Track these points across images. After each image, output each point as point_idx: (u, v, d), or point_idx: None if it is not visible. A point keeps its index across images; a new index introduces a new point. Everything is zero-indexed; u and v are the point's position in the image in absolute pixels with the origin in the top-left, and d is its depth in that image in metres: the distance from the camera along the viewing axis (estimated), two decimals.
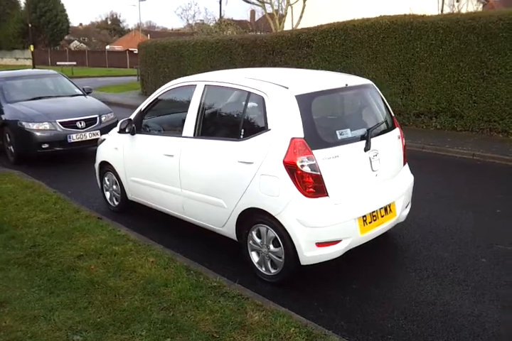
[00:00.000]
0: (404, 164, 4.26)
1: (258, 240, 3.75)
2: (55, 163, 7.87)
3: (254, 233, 3.77)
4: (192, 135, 4.16)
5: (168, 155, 4.35)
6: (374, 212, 3.76)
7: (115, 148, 5.14)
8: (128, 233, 4.55)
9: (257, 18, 47.36)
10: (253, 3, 16.04)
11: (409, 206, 4.38)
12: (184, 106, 4.29)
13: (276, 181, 3.46)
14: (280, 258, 3.61)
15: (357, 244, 3.69)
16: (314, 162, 3.36)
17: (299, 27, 14.74)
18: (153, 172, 4.64)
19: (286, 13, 15.92)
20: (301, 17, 15.85)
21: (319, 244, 3.46)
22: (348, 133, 3.62)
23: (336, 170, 3.48)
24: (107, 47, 50.21)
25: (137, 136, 4.80)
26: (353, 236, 3.59)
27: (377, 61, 10.72)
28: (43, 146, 7.54)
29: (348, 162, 3.56)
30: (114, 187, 5.38)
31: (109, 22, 79.37)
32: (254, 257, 3.84)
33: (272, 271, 3.72)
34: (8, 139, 7.84)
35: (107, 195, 5.58)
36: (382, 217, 3.85)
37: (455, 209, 5.41)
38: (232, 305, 3.21)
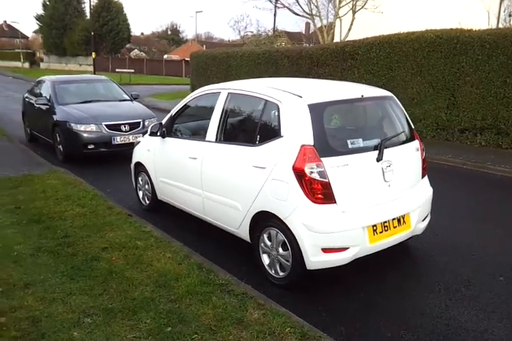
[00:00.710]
0: (423, 177, 4.25)
1: (269, 243, 3.88)
2: (100, 163, 8.34)
3: (265, 236, 3.90)
4: (214, 140, 4.37)
5: (192, 158, 4.59)
6: (386, 222, 3.79)
7: (148, 150, 5.46)
8: (153, 230, 4.80)
9: (312, 30, 47.63)
10: (302, 16, 16.28)
11: (428, 219, 4.35)
12: (209, 112, 4.51)
13: (286, 186, 3.58)
14: (288, 261, 3.71)
15: (366, 253, 3.73)
16: (323, 169, 3.46)
17: (348, 40, 14.78)
18: (179, 174, 4.89)
19: (334, 26, 16.01)
20: (349, 29, 15.89)
21: (325, 250, 3.53)
22: (360, 142, 3.69)
23: (345, 178, 3.56)
24: (165, 56, 52.14)
25: (167, 139, 5.08)
26: (362, 244, 3.64)
27: (421, 74, 10.58)
28: (89, 147, 8.04)
29: (359, 171, 3.63)
30: (146, 186, 5.68)
31: (169, 32, 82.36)
32: (265, 259, 3.96)
33: (281, 273, 3.82)
34: (58, 139, 8.41)
35: (140, 194, 5.90)
36: (394, 227, 3.87)
37: (483, 226, 5.29)
38: (235, 302, 3.34)
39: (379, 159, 3.69)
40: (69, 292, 3.46)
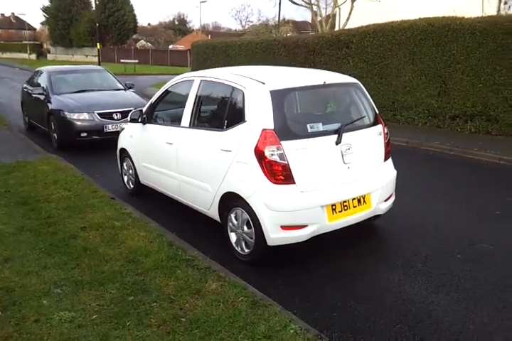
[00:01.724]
0: (386, 159, 4.41)
1: (235, 222, 4.09)
2: (92, 150, 8.59)
3: (232, 215, 4.11)
4: (188, 125, 4.58)
5: (169, 143, 4.80)
6: (345, 202, 3.98)
7: (130, 136, 5.68)
8: (132, 212, 5.03)
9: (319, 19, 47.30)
10: (301, 5, 16.29)
11: (392, 199, 4.53)
12: (185, 99, 4.70)
13: (248, 168, 3.78)
14: (251, 238, 3.92)
15: (325, 230, 3.93)
16: (282, 152, 3.65)
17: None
18: (158, 159, 5.11)
19: (332, 15, 16.02)
20: (348, 19, 15.89)
21: (284, 227, 3.74)
22: (320, 127, 3.87)
23: (304, 160, 3.74)
24: (170, 46, 52.23)
25: (147, 125, 5.29)
26: (320, 222, 3.83)
27: (414, 63, 10.65)
28: (82, 135, 8.28)
29: (317, 153, 3.81)
30: (130, 171, 5.92)
31: (176, 22, 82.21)
32: (233, 237, 4.18)
33: (246, 250, 4.04)
34: (53, 127, 8.67)
35: (125, 178, 6.14)
36: (354, 207, 4.05)
37: (456, 208, 5.45)
38: (197, 275, 3.57)
39: (338, 142, 3.86)
40: (44, 266, 3.71)
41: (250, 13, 46.83)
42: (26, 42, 55.10)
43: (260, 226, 3.77)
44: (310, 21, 50.16)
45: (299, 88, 3.99)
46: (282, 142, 3.67)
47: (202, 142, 4.37)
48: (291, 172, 3.69)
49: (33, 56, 54.02)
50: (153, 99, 5.30)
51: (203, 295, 3.27)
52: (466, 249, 4.32)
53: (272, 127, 3.68)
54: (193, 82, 4.63)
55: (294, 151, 3.70)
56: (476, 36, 9.36)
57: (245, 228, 3.98)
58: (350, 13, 15.66)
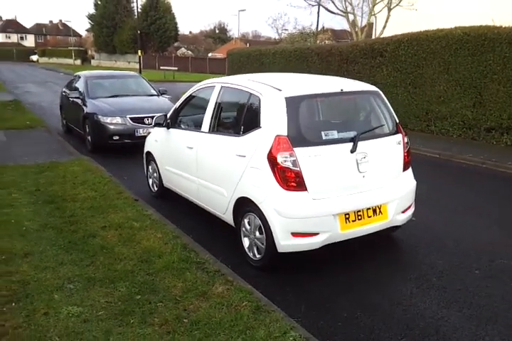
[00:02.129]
0: (405, 169, 4.34)
1: (248, 227, 4.12)
2: (124, 153, 8.83)
3: (246, 220, 4.14)
4: (207, 130, 4.66)
5: (189, 148, 4.89)
6: (359, 211, 3.94)
7: (155, 140, 5.83)
8: (153, 213, 5.15)
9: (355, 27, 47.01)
10: (337, 14, 16.26)
11: (411, 211, 4.43)
12: (206, 104, 4.79)
13: (261, 173, 3.81)
14: (263, 244, 3.94)
15: (338, 239, 3.90)
16: (295, 158, 3.66)
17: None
18: (179, 162, 5.22)
19: (369, 24, 15.91)
20: (384, 27, 15.75)
21: (295, 234, 3.74)
22: (335, 134, 3.85)
23: (316, 167, 3.74)
24: (209, 54, 53.13)
25: (171, 130, 5.42)
26: (332, 231, 3.81)
27: (448, 72, 10.42)
28: (114, 138, 8.54)
29: (331, 161, 3.79)
30: (155, 174, 6.06)
31: (217, 31, 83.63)
32: (245, 242, 4.21)
33: (257, 255, 4.06)
34: (87, 130, 8.99)
35: (150, 181, 6.29)
36: (369, 217, 4.00)
37: (482, 223, 5.27)
38: (206, 277, 3.62)
39: (353, 150, 3.84)
40: (60, 262, 3.85)
41: (287, 22, 47.24)
42: (72, 48, 57.33)
43: (271, 232, 3.78)
44: (350, 30, 50.05)
45: (315, 95, 4.00)
46: (295, 149, 3.68)
47: (219, 147, 4.44)
48: (303, 179, 3.69)
49: (78, 62, 56.18)
50: (177, 104, 5.43)
51: (208, 298, 3.31)
52: (486, 265, 4.17)
53: (286, 133, 3.70)
54: (213, 88, 4.73)
55: (307, 158, 3.70)
56: None
57: (257, 233, 4.00)
58: (386, 22, 15.52)
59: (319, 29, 31.52)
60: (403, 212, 4.30)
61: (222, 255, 4.28)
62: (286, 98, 3.80)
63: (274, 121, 3.79)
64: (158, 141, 5.75)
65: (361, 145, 3.90)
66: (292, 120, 3.74)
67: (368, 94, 4.32)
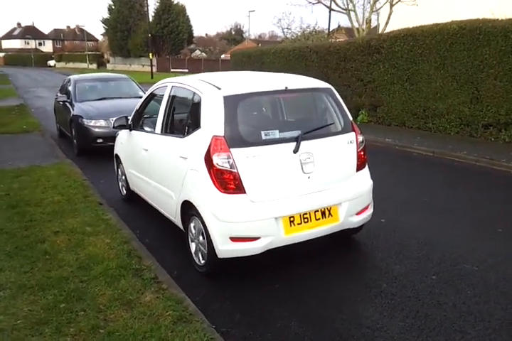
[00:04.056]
0: (360, 169, 4.13)
1: (194, 231, 3.98)
2: (110, 156, 8.77)
3: (192, 225, 4.00)
4: (160, 132, 4.54)
5: (145, 150, 4.79)
6: (306, 213, 3.75)
7: (121, 143, 5.75)
8: (112, 218, 5.05)
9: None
10: (338, 11, 15.98)
11: (367, 213, 4.22)
12: (160, 105, 4.67)
13: (199, 176, 3.66)
14: (206, 249, 3.79)
15: (282, 243, 3.72)
16: (230, 159, 3.50)
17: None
18: (139, 165, 5.12)
19: (369, 20, 15.58)
20: (386, 23, 15.40)
21: (234, 239, 3.57)
22: (276, 134, 3.68)
23: (256, 168, 3.56)
24: (222, 56, 53.17)
25: (133, 132, 5.32)
26: (275, 235, 3.63)
27: (444, 68, 10.09)
28: (98, 141, 8.50)
29: (272, 162, 3.61)
30: (123, 177, 5.97)
31: (233, 32, 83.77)
32: (192, 247, 4.06)
33: (202, 261, 3.91)
34: (73, 133, 8.99)
35: (120, 184, 6.21)
36: (317, 220, 3.81)
37: (456, 225, 5.01)
38: (139, 285, 3.48)
39: (295, 151, 3.65)
40: (0, 268, 3.78)
41: (292, 21, 46.64)
42: (87, 52, 58.18)
43: (210, 237, 3.63)
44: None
45: (257, 93, 3.82)
46: (232, 149, 3.52)
47: (167, 148, 4.32)
48: (241, 181, 3.53)
49: (94, 66, 56.97)
50: (137, 106, 5.33)
51: (132, 307, 3.18)
52: (446, 270, 3.93)
53: (223, 134, 3.54)
54: (165, 88, 4.60)
55: (245, 159, 3.53)
56: (510, 39, 8.71)
57: (201, 238, 3.85)
58: (388, 18, 15.19)
59: (335, 28, 31.10)
60: (358, 213, 4.08)
61: (173, 261, 4.17)
62: (224, 97, 3.64)
63: (212, 120, 3.64)
64: (123, 143, 5.66)
65: (306, 144, 3.71)
66: (230, 120, 3.58)
67: (317, 91, 4.13)
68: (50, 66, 66.92)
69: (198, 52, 65.30)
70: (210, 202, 3.59)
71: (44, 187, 6.19)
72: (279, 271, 4.00)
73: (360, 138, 4.14)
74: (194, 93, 4.01)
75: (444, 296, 3.51)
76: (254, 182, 3.58)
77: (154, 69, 43.02)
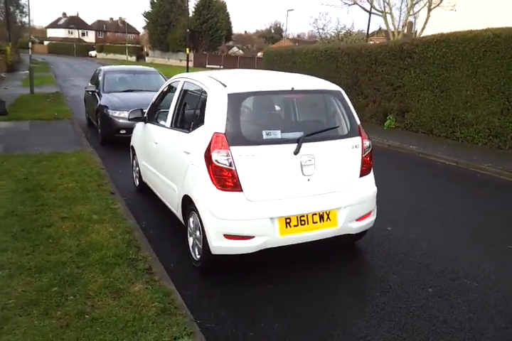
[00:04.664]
0: (363, 175, 4.07)
1: (192, 226, 4.02)
2: None
3: (191, 219, 4.04)
4: (169, 126, 4.60)
5: (155, 143, 4.86)
6: (303, 216, 3.73)
7: (136, 135, 5.84)
8: (120, 207, 5.15)
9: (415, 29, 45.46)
10: (374, 14, 15.72)
11: (369, 220, 4.16)
12: (172, 99, 4.73)
13: (199, 171, 3.70)
14: (201, 244, 3.82)
15: (276, 244, 3.70)
16: (229, 157, 3.51)
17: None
18: (150, 157, 5.20)
19: (405, 24, 15.27)
20: (423, 28, 15.08)
21: (228, 236, 3.59)
22: (277, 134, 3.66)
23: (254, 168, 3.56)
24: (258, 54, 53.23)
25: (147, 124, 5.41)
26: (269, 235, 3.62)
27: (476, 76, 9.80)
28: (121, 132, 8.67)
29: (271, 162, 3.60)
30: (137, 168, 6.08)
31: (273, 31, 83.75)
32: (190, 242, 4.10)
33: (198, 256, 3.95)
34: (99, 123, 9.20)
35: (134, 175, 6.32)
36: (314, 223, 3.78)
37: (465, 239, 4.87)
38: (132, 275, 3.55)
39: (296, 152, 3.63)
40: (4, 249, 3.92)
41: (328, 22, 46.07)
42: (128, 45, 59.32)
43: (205, 232, 3.66)
44: (406, 31, 48.29)
45: (262, 92, 3.81)
46: (232, 147, 3.53)
47: (174, 143, 4.38)
48: (238, 179, 3.54)
49: (133, 58, 58.07)
50: (153, 99, 5.41)
51: (120, 296, 3.24)
52: (444, 284, 3.83)
53: (223, 131, 3.56)
54: (178, 83, 4.66)
55: (244, 158, 3.54)
56: None
57: (197, 233, 3.89)
58: (425, 23, 14.87)
59: (375, 30, 30.68)
60: (358, 220, 4.03)
61: (172, 254, 4.24)
62: (229, 94, 3.66)
63: (215, 117, 3.66)
64: (138, 135, 5.77)
65: (308, 147, 3.68)
66: (233, 117, 3.60)
67: (325, 93, 4.08)
68: (91, 56, 68.66)
69: (235, 49, 65.61)
70: (207, 198, 3.61)
71: (61, 174, 6.37)
72: (274, 271, 3.99)
73: (367, 143, 4.07)
74: (202, 89, 4.04)
75: (437, 310, 3.43)
76: (252, 181, 3.58)
77: (191, 64, 43.47)
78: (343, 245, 4.53)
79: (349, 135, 3.98)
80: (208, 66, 36.49)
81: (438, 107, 10.84)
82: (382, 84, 12.53)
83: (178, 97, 4.55)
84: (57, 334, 2.78)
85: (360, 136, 4.04)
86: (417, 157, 9.35)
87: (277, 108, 4.15)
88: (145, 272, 3.62)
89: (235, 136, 3.56)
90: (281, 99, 4.04)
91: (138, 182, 6.14)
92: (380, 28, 38.30)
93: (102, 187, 5.87)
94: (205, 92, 3.92)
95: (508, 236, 4.94)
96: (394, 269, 4.07)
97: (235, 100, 3.64)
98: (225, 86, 3.75)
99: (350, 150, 3.95)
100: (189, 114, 4.38)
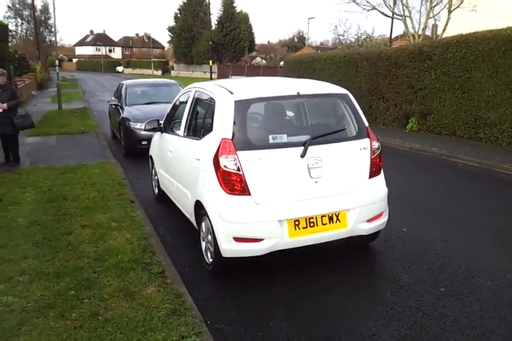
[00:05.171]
0: (373, 176, 4.08)
1: (204, 230, 4.11)
2: None
3: (203, 224, 4.14)
4: (182, 134, 4.74)
5: (170, 151, 5.01)
6: (312, 218, 3.77)
7: (153, 145, 6.02)
8: (139, 215, 5.31)
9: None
10: (394, 18, 15.65)
11: (381, 221, 4.15)
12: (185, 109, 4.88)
13: (208, 177, 3.80)
14: (213, 248, 3.91)
15: (286, 246, 3.75)
16: (237, 162, 3.60)
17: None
18: (166, 165, 5.36)
19: (425, 27, 15.14)
20: (444, 30, 14.91)
21: (237, 239, 3.66)
22: (284, 138, 3.73)
23: (261, 171, 3.64)
24: (281, 63, 53.51)
25: (164, 134, 5.57)
26: (279, 237, 3.68)
27: (497, 76, 9.62)
28: (143, 143, 8.88)
29: (278, 166, 3.67)
30: (156, 177, 6.25)
31: (296, 39, 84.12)
32: (203, 245, 4.20)
33: (210, 259, 4.03)
34: (121, 135, 9.48)
35: (153, 183, 6.49)
36: (324, 225, 3.82)
37: (483, 239, 4.77)
38: (146, 278, 3.67)
39: (302, 155, 3.69)
40: (25, 256, 4.12)
41: (349, 28, 45.83)
42: (154, 59, 60.69)
43: (215, 236, 3.75)
44: (431, 35, 47.62)
45: (268, 98, 3.91)
46: (239, 152, 3.62)
47: (186, 150, 4.50)
48: (246, 183, 3.62)
49: (159, 72, 59.37)
50: (168, 109, 5.57)
51: (133, 298, 3.35)
52: (457, 283, 3.79)
53: (230, 136, 3.66)
54: (190, 93, 4.81)
55: (251, 162, 3.62)
56: None
57: (209, 237, 3.98)
58: (446, 24, 14.71)
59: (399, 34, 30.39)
60: (369, 221, 4.03)
61: (187, 258, 4.35)
62: (235, 101, 3.76)
63: (223, 124, 3.77)
64: (155, 145, 5.94)
65: (315, 149, 3.74)
66: (240, 123, 3.69)
67: (332, 97, 4.14)
68: (118, 72, 70.53)
69: (258, 59, 66.19)
70: (216, 202, 3.71)
71: (84, 184, 6.60)
72: (286, 273, 4.03)
73: (376, 144, 4.09)
74: (211, 97, 4.16)
75: (448, 309, 3.40)
76: (260, 184, 3.66)
77: (215, 75, 44.12)
78: (356, 246, 4.53)
79: (357, 137, 4.02)
80: (230, 77, 36.93)
81: (460, 108, 10.67)
82: (402, 87, 12.43)
83: (190, 106, 4.69)
84: (70, 335, 2.91)
85: (369, 137, 4.07)
86: (439, 159, 9.22)
87: (284, 113, 4.23)
88: (158, 276, 3.73)
89: (242, 141, 3.66)
90: (288, 104, 4.12)
91: (157, 191, 6.30)
92: (404, 32, 37.97)
93: (122, 196, 6.06)
94: (214, 100, 4.04)
95: None
96: (407, 270, 4.05)
97: (242, 106, 3.74)
98: (232, 93, 3.86)
99: (358, 152, 3.98)
100: (200, 122, 4.50)
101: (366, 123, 4.15)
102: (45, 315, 3.15)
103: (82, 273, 3.77)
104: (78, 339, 2.86)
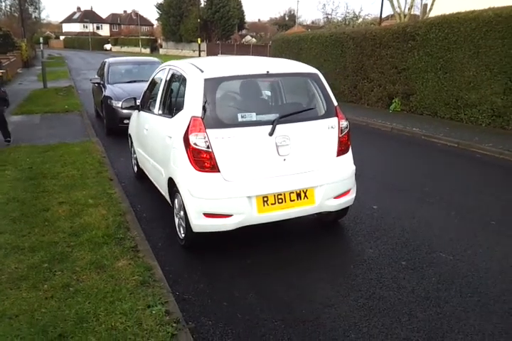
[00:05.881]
0: (340, 154, 4.19)
1: (177, 206, 4.22)
2: None
3: (176, 200, 4.24)
4: (157, 112, 4.79)
5: (146, 129, 5.07)
6: (280, 194, 3.89)
7: (132, 123, 6.07)
8: (116, 192, 5.39)
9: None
10: None
11: (348, 198, 4.28)
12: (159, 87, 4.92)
13: (179, 154, 3.89)
14: (184, 223, 4.03)
15: (254, 222, 3.88)
16: (206, 139, 3.69)
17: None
18: (142, 143, 5.42)
19: (412, 6, 15.08)
20: (430, 9, 14.87)
21: (207, 215, 3.78)
22: (252, 116, 3.81)
23: (230, 149, 3.73)
24: (271, 42, 52.90)
25: (140, 112, 5.61)
26: (247, 213, 3.80)
27: (478, 57, 9.71)
28: (124, 122, 8.86)
29: (247, 144, 3.76)
30: (134, 155, 6.31)
31: (287, 18, 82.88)
32: (176, 221, 4.32)
33: (182, 234, 4.16)
34: (104, 113, 9.47)
35: (132, 162, 6.56)
36: (292, 201, 3.94)
37: (451, 215, 4.96)
38: (118, 252, 3.78)
39: (271, 133, 3.78)
40: (1, 231, 4.21)
41: (337, 7, 45.26)
42: (142, 37, 59.60)
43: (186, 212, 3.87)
44: (419, 14, 47.24)
45: (237, 77, 3.97)
46: (208, 130, 3.70)
47: (160, 128, 4.57)
48: (215, 160, 3.72)
49: (147, 50, 58.44)
50: (144, 87, 5.60)
51: (104, 271, 3.48)
52: (418, 257, 3.97)
53: (200, 115, 3.73)
54: (164, 71, 4.84)
55: (220, 140, 3.71)
56: None
57: (181, 213, 4.09)
58: (432, 4, 14.65)
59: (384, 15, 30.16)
60: (336, 197, 4.16)
61: (162, 234, 4.47)
62: (205, 79, 3.82)
63: (193, 102, 3.84)
64: (133, 123, 5.99)
65: (283, 128, 3.83)
66: (209, 101, 3.76)
67: (301, 76, 4.21)
68: (106, 50, 69.22)
69: (248, 37, 65.32)
70: (187, 179, 3.81)
71: (64, 162, 6.66)
72: (254, 248, 4.17)
73: (344, 123, 4.19)
74: (182, 75, 4.21)
75: (407, 281, 3.57)
76: (229, 162, 3.75)
77: (204, 54, 43.55)
78: (326, 223, 4.68)
79: (325, 116, 4.11)
80: (219, 55, 36.52)
81: (442, 89, 10.77)
82: (386, 67, 12.47)
83: (164, 84, 4.73)
84: (41, 304, 3.03)
85: (337, 116, 4.16)
86: (419, 139, 9.37)
87: (255, 92, 4.29)
88: (131, 250, 3.85)
89: (212, 119, 3.73)
90: (257, 82, 4.18)
91: (136, 169, 6.37)
92: (402, 13, 37.61)
93: (101, 174, 6.13)
94: (185, 78, 4.09)
95: (493, 213, 5.01)
96: (372, 244, 4.22)
97: (211, 85, 3.80)
98: (202, 71, 3.92)
99: (326, 131, 4.08)
100: (173, 100, 4.56)
101: (335, 103, 4.23)
102: (18, 286, 3.27)
103: (57, 248, 3.88)
104: (48, 308, 2.99)
